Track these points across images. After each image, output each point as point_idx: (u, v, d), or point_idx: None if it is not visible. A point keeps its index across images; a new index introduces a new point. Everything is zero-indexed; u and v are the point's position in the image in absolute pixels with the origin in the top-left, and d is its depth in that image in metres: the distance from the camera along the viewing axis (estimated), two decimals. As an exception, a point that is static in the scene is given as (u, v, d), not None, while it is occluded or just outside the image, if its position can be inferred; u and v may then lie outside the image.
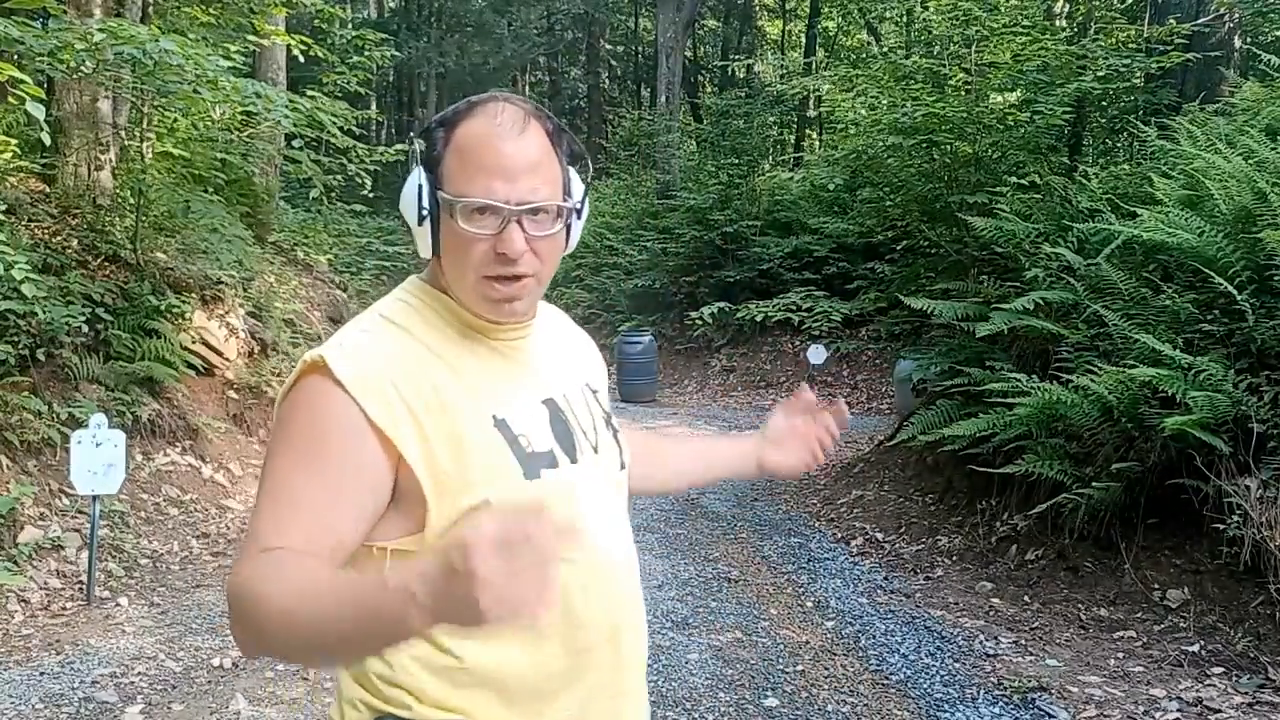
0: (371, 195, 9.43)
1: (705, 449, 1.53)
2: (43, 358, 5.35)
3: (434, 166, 1.11)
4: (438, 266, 1.17)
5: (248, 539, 1.03)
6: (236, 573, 0.99)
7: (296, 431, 1.06)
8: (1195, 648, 3.81)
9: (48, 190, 6.64)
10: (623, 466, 1.27)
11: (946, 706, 3.48)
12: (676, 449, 1.51)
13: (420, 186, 1.11)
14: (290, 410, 1.08)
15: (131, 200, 6.80)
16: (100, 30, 4.74)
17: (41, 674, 3.60)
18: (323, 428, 1.05)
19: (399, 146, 8.82)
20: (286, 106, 5.61)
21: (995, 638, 4.14)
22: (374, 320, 1.16)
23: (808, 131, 25.11)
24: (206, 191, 7.93)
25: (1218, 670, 3.63)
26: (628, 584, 1.22)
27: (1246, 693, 3.45)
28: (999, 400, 4.78)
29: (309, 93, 6.51)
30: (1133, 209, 4.90)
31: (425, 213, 1.11)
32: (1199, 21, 7.45)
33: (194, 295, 6.80)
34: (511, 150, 1.08)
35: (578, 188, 1.17)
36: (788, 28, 28.11)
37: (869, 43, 20.50)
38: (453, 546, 0.77)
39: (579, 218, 1.18)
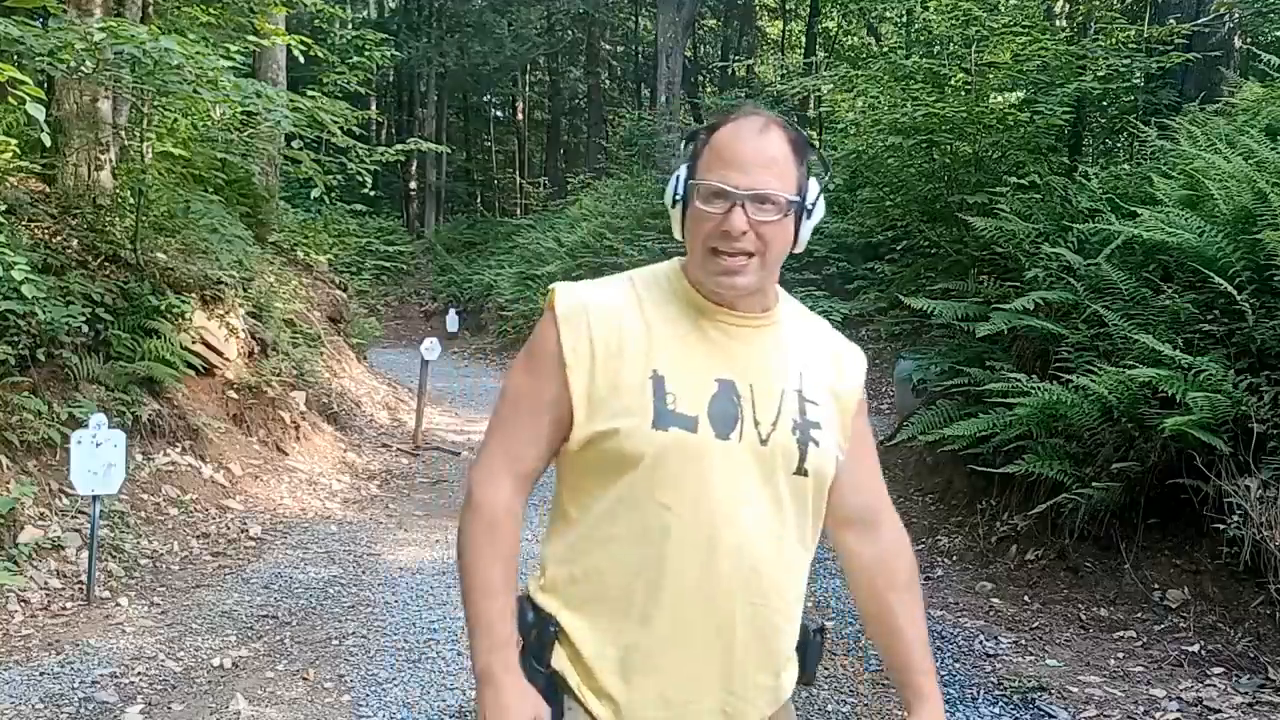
0: (372, 195, 9.45)
1: (903, 647, 1.59)
2: (43, 358, 5.35)
3: (694, 161, 1.31)
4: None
5: (491, 420, 1.40)
6: (476, 471, 1.42)
7: (527, 342, 1.37)
8: (1195, 648, 3.81)
9: (48, 190, 6.63)
10: (801, 472, 1.31)
11: (947, 706, 3.46)
12: (895, 623, 1.58)
13: (678, 176, 1.33)
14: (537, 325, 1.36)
15: (131, 200, 6.80)
16: (100, 30, 4.74)
17: (41, 674, 3.60)
18: (535, 344, 1.34)
19: (399, 146, 8.82)
20: (287, 106, 5.61)
21: (995, 638, 4.14)
22: (618, 277, 1.40)
23: (808, 131, 25.10)
24: (206, 191, 7.93)
25: (1218, 670, 3.63)
26: (740, 571, 1.26)
27: (1246, 693, 3.45)
28: (999, 400, 4.78)
29: (309, 93, 6.51)
30: (1133, 209, 4.90)
31: (678, 197, 1.33)
32: (1199, 21, 7.43)
33: (194, 295, 6.79)
34: (749, 149, 1.25)
35: (812, 191, 1.32)
36: (788, 28, 28.10)
37: (869, 43, 20.50)
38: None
39: (808, 217, 1.31)
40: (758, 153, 1.25)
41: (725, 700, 1.31)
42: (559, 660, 1.32)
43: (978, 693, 3.59)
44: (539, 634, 1.33)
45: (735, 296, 1.30)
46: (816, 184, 1.33)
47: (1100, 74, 6.82)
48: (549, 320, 1.32)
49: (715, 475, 1.26)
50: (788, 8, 27.44)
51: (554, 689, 1.31)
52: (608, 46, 29.46)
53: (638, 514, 1.27)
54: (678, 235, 1.35)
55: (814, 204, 1.31)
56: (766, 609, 1.30)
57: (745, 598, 1.28)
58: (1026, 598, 4.56)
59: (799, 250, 1.33)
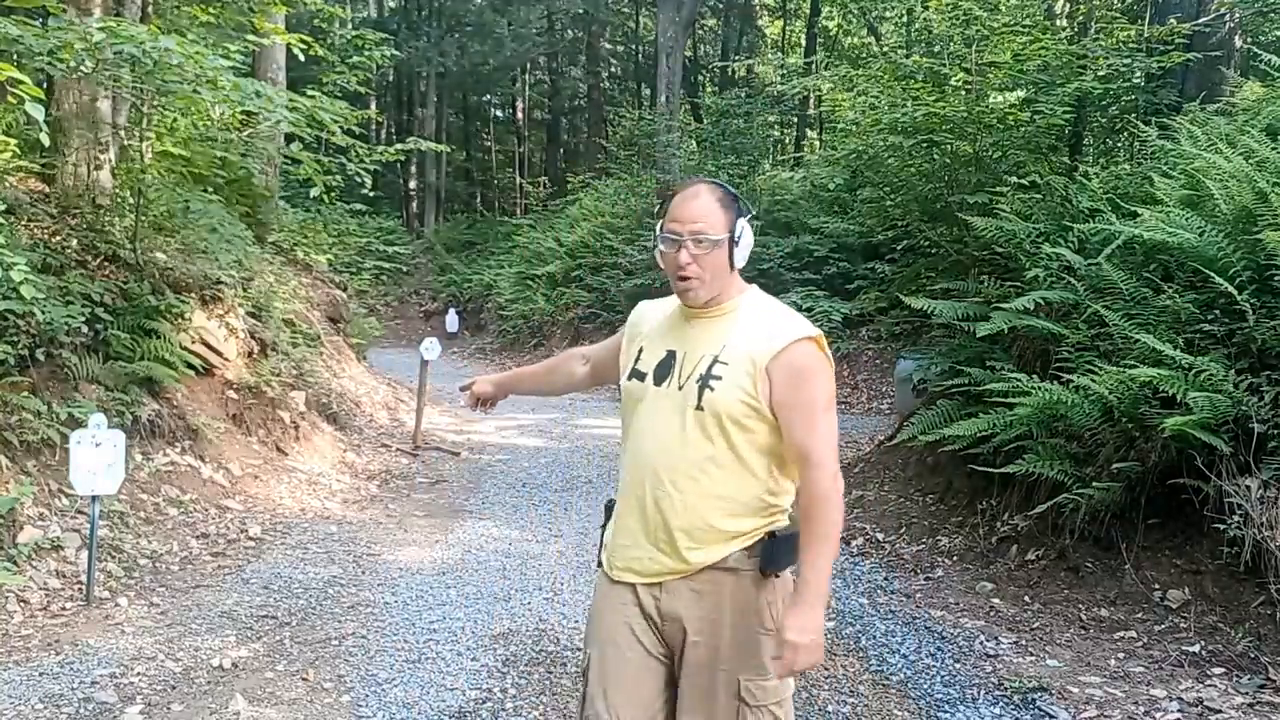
0: (371, 195, 9.44)
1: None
2: (42, 358, 5.34)
3: (659, 219, 2.02)
4: None
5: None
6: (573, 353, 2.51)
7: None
8: (1196, 648, 3.80)
9: (47, 190, 6.63)
10: (699, 408, 1.94)
11: (947, 707, 3.48)
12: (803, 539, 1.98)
13: (656, 230, 2.03)
14: None
15: (131, 200, 6.80)
16: (100, 29, 4.73)
17: (41, 674, 3.59)
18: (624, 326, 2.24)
19: (399, 146, 8.81)
20: (286, 106, 5.60)
21: (996, 638, 4.13)
22: (658, 300, 2.21)
23: (808, 131, 25.10)
24: (206, 191, 7.93)
25: (1218, 670, 3.63)
26: (653, 463, 1.99)
27: (1247, 693, 3.44)
28: (999, 400, 4.78)
29: (309, 92, 6.49)
30: (1133, 209, 4.90)
31: (656, 243, 2.02)
32: (1199, 21, 7.43)
33: (193, 295, 6.79)
34: (686, 207, 1.95)
35: (739, 228, 1.96)
36: (788, 27, 28.10)
37: (869, 42, 20.49)
38: None
39: (738, 245, 1.96)
40: (692, 209, 1.94)
41: (647, 547, 2.00)
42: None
43: (978, 693, 3.58)
44: (606, 516, 2.17)
45: (694, 303, 2.01)
46: (744, 221, 1.97)
47: (1101, 74, 6.82)
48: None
49: (646, 409, 2.03)
50: (788, 7, 27.42)
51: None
52: (608, 46, 29.45)
53: (625, 431, 2.11)
54: (664, 265, 2.03)
55: (740, 235, 1.96)
56: (662, 495, 1.97)
57: (649, 486, 1.99)
58: (1027, 598, 4.56)
59: (740, 266, 2.00)
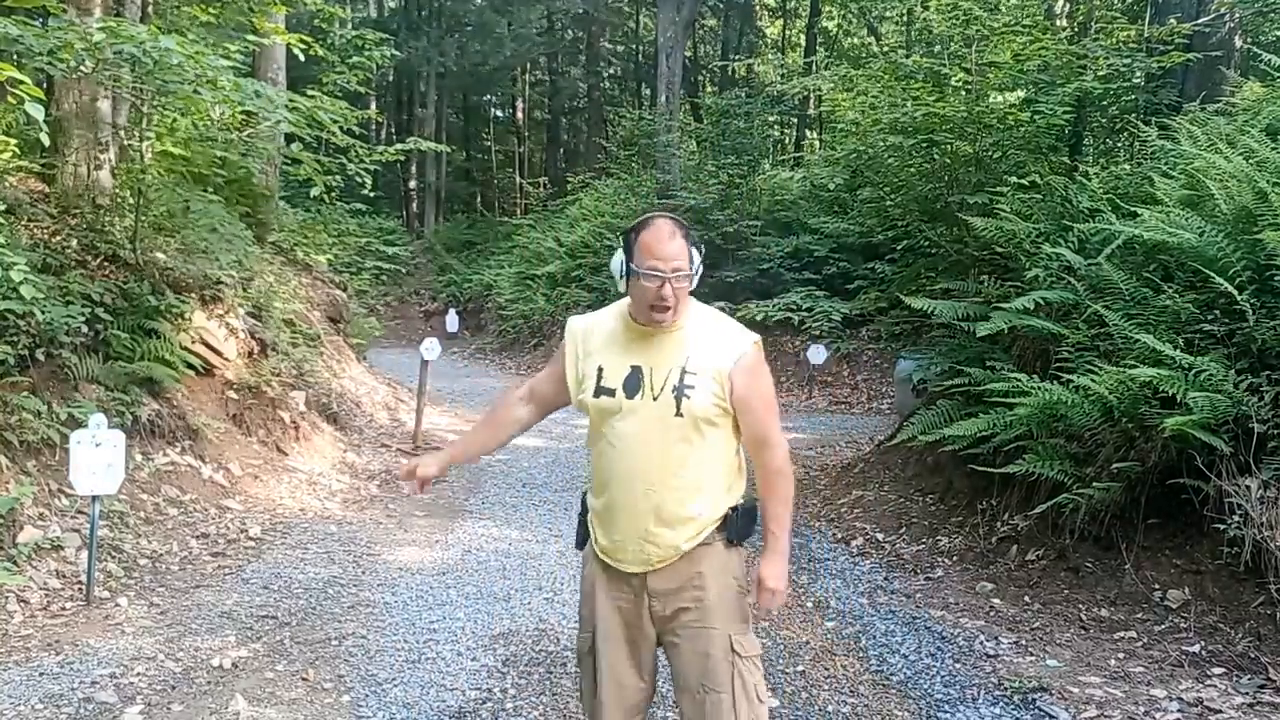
0: (371, 195, 9.44)
1: (767, 515, 2.37)
2: (42, 358, 5.34)
3: (630, 250, 2.22)
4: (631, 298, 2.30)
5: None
6: (517, 388, 2.55)
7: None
8: (1196, 648, 3.80)
9: (47, 190, 6.63)
10: (679, 414, 2.22)
11: (947, 707, 3.48)
12: (766, 502, 2.38)
13: (623, 261, 2.25)
14: None
15: (131, 200, 6.80)
16: (100, 29, 4.73)
17: (41, 674, 3.59)
18: (560, 349, 2.42)
19: (399, 146, 8.81)
20: (286, 106, 5.60)
21: (996, 638, 4.13)
22: (600, 311, 2.43)
23: (808, 131, 25.10)
24: (206, 191, 7.92)
25: (1218, 670, 3.63)
26: (638, 468, 2.24)
27: (1247, 693, 3.44)
28: (999, 400, 4.78)
29: (309, 92, 6.50)
30: (1133, 209, 4.90)
31: (624, 275, 2.26)
32: (1199, 21, 7.43)
33: (193, 295, 6.79)
34: (665, 247, 2.18)
35: (696, 259, 2.24)
36: (788, 27, 28.10)
37: (869, 42, 20.50)
38: None
39: (697, 274, 2.24)
40: (671, 249, 2.18)
41: (639, 541, 2.26)
42: (590, 517, 2.40)
43: (978, 693, 3.58)
44: (582, 507, 2.44)
45: (668, 327, 2.26)
46: (697, 253, 2.25)
47: (1101, 74, 6.82)
48: (566, 333, 2.43)
49: (624, 420, 2.26)
50: (788, 7, 27.43)
51: (586, 531, 2.42)
52: (608, 46, 29.43)
53: (599, 441, 2.32)
54: (621, 289, 2.30)
55: (698, 266, 2.26)
56: (653, 491, 2.24)
57: (641, 485, 2.24)
58: (1027, 598, 4.56)
59: (692, 289, 2.26)
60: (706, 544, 2.27)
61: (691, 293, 2.26)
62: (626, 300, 2.31)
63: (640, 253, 2.18)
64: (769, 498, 2.34)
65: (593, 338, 2.34)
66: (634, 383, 2.25)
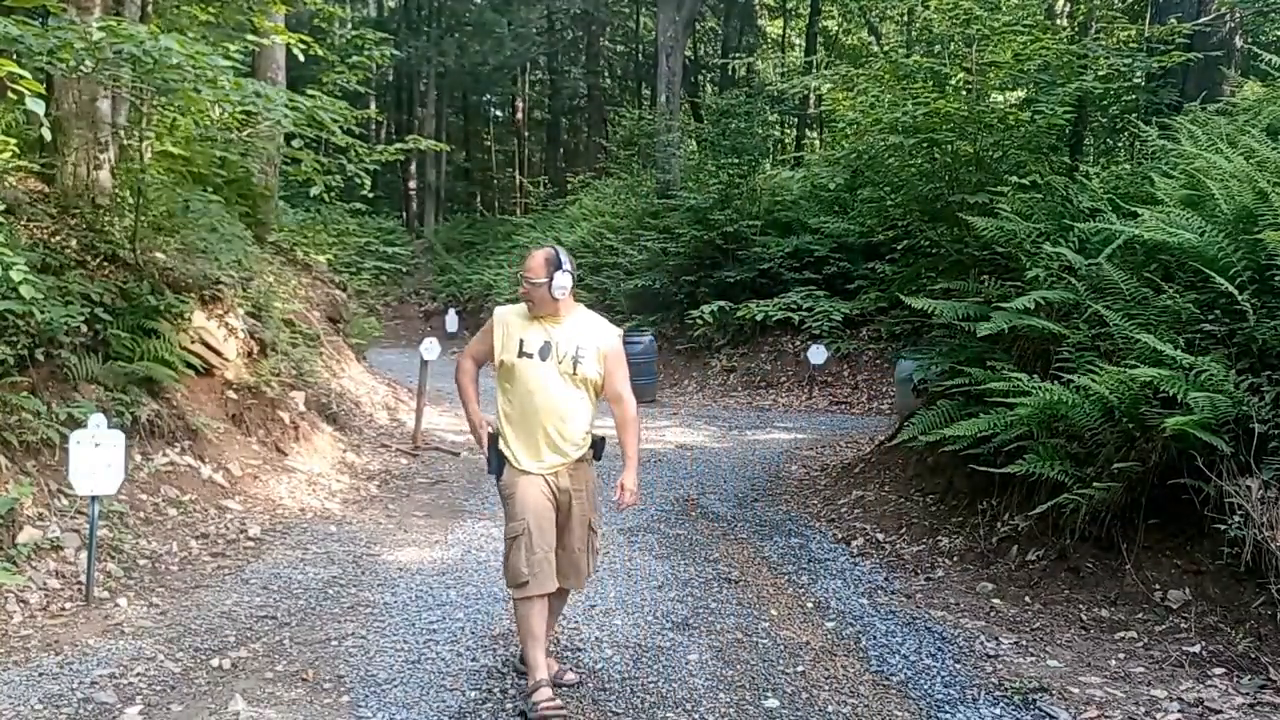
0: (371, 195, 9.43)
1: (623, 446, 3.66)
2: (42, 358, 5.34)
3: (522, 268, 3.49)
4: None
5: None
6: (461, 358, 3.75)
7: (484, 325, 3.67)
8: (1196, 648, 3.80)
9: (46, 190, 6.62)
10: (574, 373, 3.44)
11: (947, 707, 3.47)
12: (621, 436, 3.65)
13: (519, 273, 3.51)
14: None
15: (131, 200, 6.79)
16: (100, 29, 4.72)
17: (40, 674, 3.59)
18: (487, 326, 3.60)
19: (398, 145, 8.80)
20: (286, 105, 5.59)
21: (996, 638, 4.13)
22: (514, 305, 3.56)
23: (808, 131, 25.10)
24: (206, 191, 7.91)
25: (1219, 671, 3.63)
26: (548, 411, 3.43)
27: (1247, 693, 3.44)
28: (1000, 400, 4.77)
29: (309, 92, 6.48)
30: (1134, 209, 4.89)
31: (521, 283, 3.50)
32: (1200, 21, 7.43)
33: (193, 295, 6.78)
34: (528, 261, 3.45)
35: (560, 278, 3.40)
36: (788, 27, 28.10)
37: (870, 42, 20.48)
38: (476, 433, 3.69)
39: (554, 284, 3.38)
40: (529, 265, 3.41)
41: (549, 454, 3.45)
42: (502, 444, 3.50)
43: (978, 693, 3.58)
44: (495, 437, 3.54)
45: (544, 315, 3.45)
46: (560, 271, 3.38)
47: (1101, 73, 6.82)
48: (492, 318, 3.56)
49: (539, 375, 3.42)
50: (788, 7, 27.42)
51: (500, 455, 3.51)
52: (608, 46, 29.44)
53: (516, 389, 3.45)
54: (520, 294, 3.48)
55: (550, 279, 3.37)
56: (552, 425, 3.43)
57: (547, 420, 3.43)
58: (1027, 598, 4.55)
59: (559, 295, 3.40)
60: (584, 459, 3.54)
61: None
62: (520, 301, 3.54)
63: (525, 269, 3.42)
64: (624, 434, 3.60)
65: (515, 319, 3.50)
66: (546, 350, 3.43)
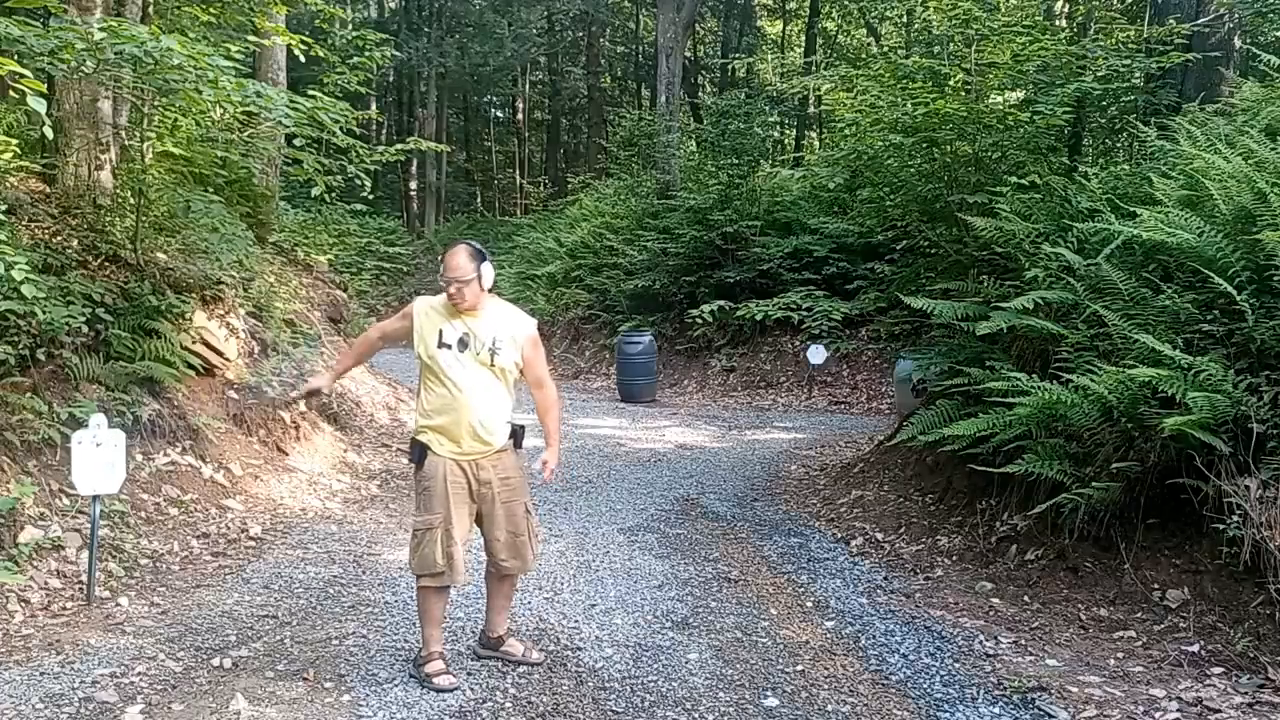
0: (372, 195, 9.44)
1: (545, 430, 3.88)
2: (43, 358, 5.35)
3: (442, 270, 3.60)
4: None
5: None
6: (372, 328, 4.18)
7: (399, 310, 3.86)
8: (1195, 648, 3.81)
9: (48, 190, 6.63)
10: (492, 366, 3.57)
11: (946, 706, 3.48)
12: (543, 421, 3.89)
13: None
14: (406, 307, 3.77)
15: (132, 200, 6.80)
16: (101, 29, 4.73)
17: (42, 674, 3.60)
18: (405, 311, 3.75)
19: (399, 146, 8.82)
20: (287, 106, 5.60)
21: (995, 638, 4.14)
22: (436, 296, 3.65)
23: (808, 131, 25.12)
24: (207, 191, 7.92)
25: (1218, 670, 3.64)
26: (468, 401, 3.54)
27: (1246, 693, 3.45)
28: (999, 400, 4.78)
29: (309, 92, 6.49)
30: (1132, 209, 4.90)
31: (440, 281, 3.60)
32: (1199, 22, 7.44)
33: (194, 295, 6.79)
34: (451, 261, 3.53)
35: (483, 269, 3.54)
36: (788, 28, 28.12)
37: (869, 42, 20.50)
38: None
39: (482, 277, 3.54)
40: (455, 263, 3.50)
41: (470, 441, 3.57)
42: (423, 436, 3.60)
43: (977, 693, 3.59)
44: (417, 432, 3.65)
45: (465, 309, 3.54)
46: (484, 264, 3.52)
47: (1100, 74, 6.82)
48: (411, 306, 3.70)
49: (459, 367, 3.54)
50: (788, 8, 27.44)
51: (422, 447, 3.61)
52: (608, 46, 29.44)
53: (437, 382, 3.56)
54: (450, 294, 3.54)
55: (479, 271, 3.50)
56: (476, 415, 3.54)
57: (474, 408, 3.54)
58: (1026, 598, 4.56)
59: (488, 288, 3.57)
60: (505, 449, 3.66)
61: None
62: (444, 295, 3.59)
63: (447, 273, 3.50)
64: (545, 417, 3.83)
65: (433, 311, 3.60)
66: (465, 342, 3.54)
